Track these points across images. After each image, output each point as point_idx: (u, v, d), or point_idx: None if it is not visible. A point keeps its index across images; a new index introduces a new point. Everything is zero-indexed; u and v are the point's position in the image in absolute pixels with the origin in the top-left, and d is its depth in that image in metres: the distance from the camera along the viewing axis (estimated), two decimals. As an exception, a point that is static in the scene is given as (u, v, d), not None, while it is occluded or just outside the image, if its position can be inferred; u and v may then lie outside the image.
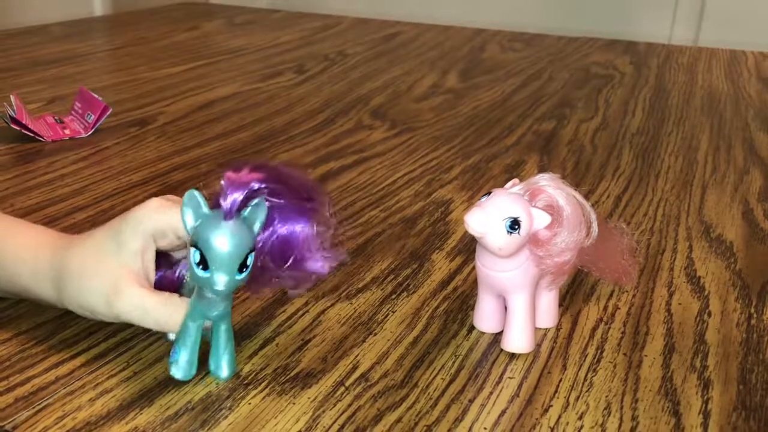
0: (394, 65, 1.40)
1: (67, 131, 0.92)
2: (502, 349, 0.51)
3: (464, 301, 0.57)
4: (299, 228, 0.45)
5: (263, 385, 0.46)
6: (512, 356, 0.50)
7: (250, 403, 0.44)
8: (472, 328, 0.54)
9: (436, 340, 0.52)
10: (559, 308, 0.55)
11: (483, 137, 0.99)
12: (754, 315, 0.57)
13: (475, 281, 0.58)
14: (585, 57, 1.53)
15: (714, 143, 1.00)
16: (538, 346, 0.52)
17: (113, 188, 0.76)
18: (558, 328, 0.54)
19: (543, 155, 0.93)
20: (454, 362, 0.50)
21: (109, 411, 0.43)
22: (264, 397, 0.45)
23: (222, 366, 0.46)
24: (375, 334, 0.52)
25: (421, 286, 0.59)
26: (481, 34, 1.75)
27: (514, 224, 0.46)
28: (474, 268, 0.60)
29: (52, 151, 0.86)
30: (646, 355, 0.51)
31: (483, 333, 0.53)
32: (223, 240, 0.41)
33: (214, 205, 0.43)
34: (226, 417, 0.43)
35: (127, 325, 0.50)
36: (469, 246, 0.66)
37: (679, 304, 0.58)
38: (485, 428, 0.43)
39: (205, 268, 0.42)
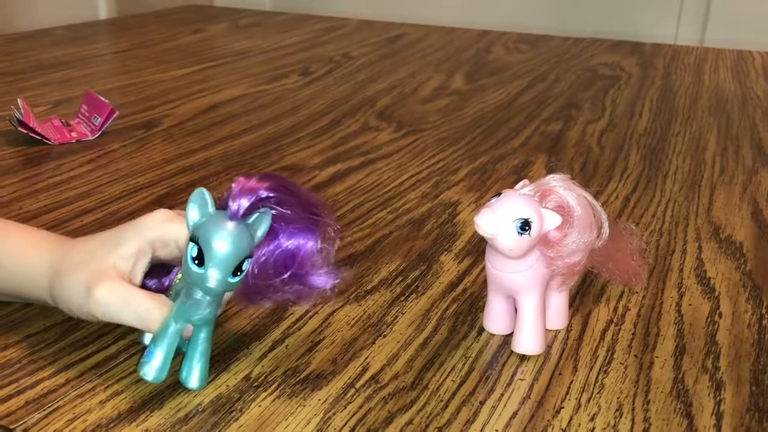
0: (400, 67, 1.40)
1: (73, 134, 0.92)
2: (512, 351, 0.51)
3: (473, 302, 0.57)
4: (305, 242, 0.45)
5: (273, 387, 0.46)
6: (523, 358, 0.50)
7: (260, 405, 0.44)
8: (481, 329, 0.53)
9: (445, 342, 0.52)
10: (570, 309, 0.55)
11: (490, 139, 0.99)
12: (766, 316, 0.57)
13: (484, 282, 0.58)
14: (591, 58, 1.53)
15: (722, 144, 1.00)
16: (549, 347, 0.51)
17: (120, 191, 0.76)
18: (568, 329, 0.54)
19: (550, 156, 0.93)
20: (464, 364, 0.49)
21: (120, 413, 0.43)
22: (274, 399, 0.45)
23: (192, 375, 0.44)
24: (384, 336, 0.52)
25: (429, 287, 0.59)
26: (486, 35, 1.75)
27: (525, 225, 0.46)
28: (483, 269, 0.60)
29: (59, 154, 0.86)
30: (657, 357, 0.51)
31: (493, 335, 0.53)
32: (224, 239, 0.41)
33: (221, 206, 0.43)
34: (237, 419, 0.43)
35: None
36: (478, 247, 0.66)
37: (690, 305, 0.58)
38: (497, 430, 0.43)
39: (201, 264, 0.41)
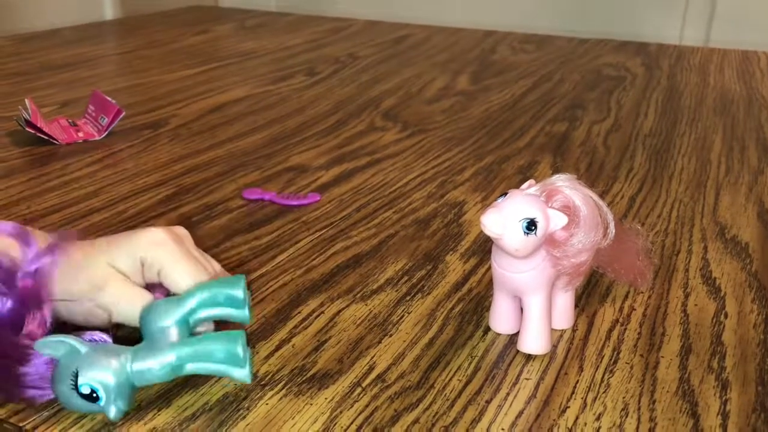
0: (405, 67, 1.40)
1: (80, 134, 0.92)
2: (518, 351, 0.51)
3: (479, 302, 0.57)
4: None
5: (280, 385, 0.46)
6: (528, 357, 0.50)
7: (267, 404, 0.44)
8: (487, 329, 0.53)
9: (451, 342, 0.52)
10: (575, 309, 0.55)
11: (495, 139, 0.99)
12: (771, 316, 0.57)
13: (489, 282, 0.58)
14: (596, 58, 1.53)
15: (727, 144, 1.00)
16: (554, 347, 0.51)
17: (128, 190, 0.77)
18: (574, 329, 0.54)
19: (556, 157, 0.93)
20: (470, 363, 0.49)
21: (127, 411, 0.43)
22: (281, 398, 0.45)
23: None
24: (390, 335, 0.52)
25: (435, 287, 0.59)
26: (491, 36, 1.75)
27: (531, 225, 0.46)
28: (489, 269, 0.60)
29: (66, 154, 0.87)
30: (662, 357, 0.51)
31: (499, 334, 0.53)
32: None
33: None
34: (244, 417, 0.43)
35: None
36: (483, 247, 0.66)
37: (695, 305, 0.58)
38: (503, 429, 0.43)
39: None
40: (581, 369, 0.49)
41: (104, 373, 0.41)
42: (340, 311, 0.55)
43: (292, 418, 0.43)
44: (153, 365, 0.42)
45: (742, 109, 1.17)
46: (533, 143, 0.98)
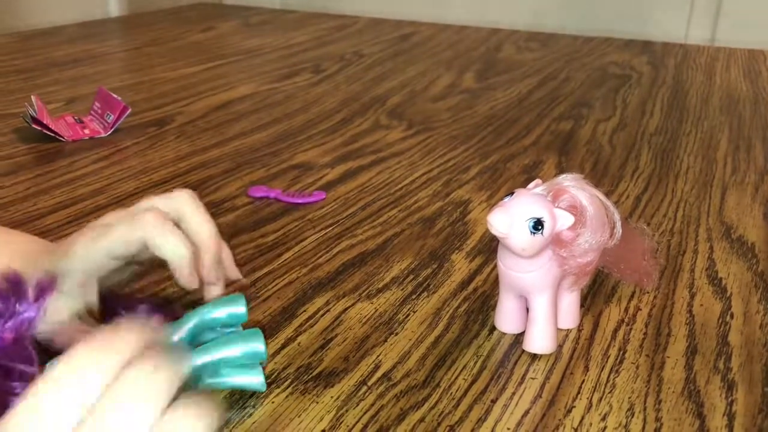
0: (410, 65, 1.40)
1: (86, 131, 0.93)
2: (523, 350, 0.51)
3: (485, 301, 0.57)
4: None
5: (286, 384, 0.46)
6: (534, 357, 0.50)
7: (273, 402, 0.44)
8: (493, 328, 0.53)
9: (457, 341, 0.52)
10: (581, 309, 0.55)
11: (500, 137, 0.99)
12: (778, 316, 0.57)
13: (495, 281, 0.58)
14: (601, 57, 1.53)
15: (733, 143, 0.99)
16: (560, 347, 0.51)
17: (134, 187, 0.77)
18: (579, 329, 0.54)
19: (561, 155, 0.93)
20: (476, 362, 0.50)
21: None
22: (287, 396, 0.45)
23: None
24: (396, 334, 0.52)
25: (441, 286, 0.59)
26: (496, 34, 1.75)
27: (538, 225, 0.46)
28: (494, 267, 0.60)
29: (72, 151, 0.87)
30: (668, 357, 0.51)
31: (504, 333, 0.53)
32: None
33: None
34: (251, 415, 0.43)
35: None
36: (489, 246, 0.66)
37: (701, 305, 0.58)
38: (508, 429, 0.43)
39: None
40: (587, 369, 0.49)
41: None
42: (345, 309, 0.55)
43: (298, 416, 0.43)
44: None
45: (748, 108, 1.17)
46: (539, 142, 0.98)
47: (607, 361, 0.50)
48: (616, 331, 0.54)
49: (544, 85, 1.29)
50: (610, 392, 0.47)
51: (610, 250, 0.50)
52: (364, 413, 0.44)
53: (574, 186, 0.48)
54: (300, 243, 0.66)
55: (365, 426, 0.43)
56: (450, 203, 0.76)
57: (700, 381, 0.48)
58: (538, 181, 0.50)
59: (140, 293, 0.54)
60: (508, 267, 0.50)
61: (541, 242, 0.47)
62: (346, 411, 0.44)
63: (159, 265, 0.45)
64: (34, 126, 0.89)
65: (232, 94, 1.15)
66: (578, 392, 0.47)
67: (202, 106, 1.07)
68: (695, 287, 0.61)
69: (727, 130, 1.06)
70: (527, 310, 0.51)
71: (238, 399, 0.45)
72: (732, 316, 0.56)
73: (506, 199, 0.48)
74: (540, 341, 0.50)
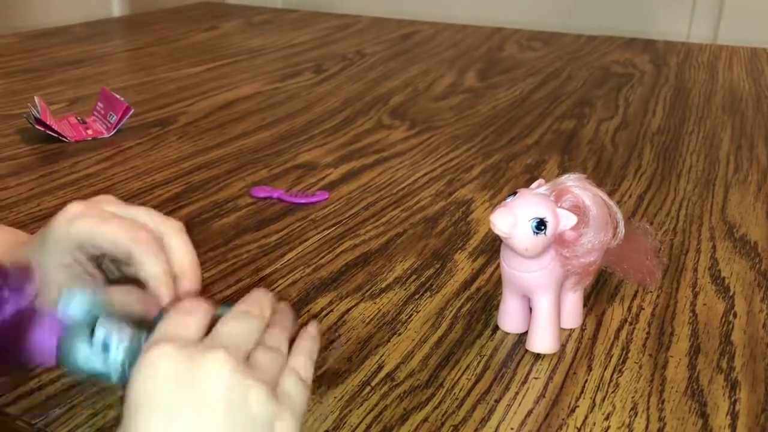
0: (412, 64, 1.40)
1: (89, 131, 0.93)
2: (527, 350, 0.51)
3: (488, 301, 0.57)
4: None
5: (290, 384, 0.46)
6: (537, 357, 0.50)
7: (277, 402, 0.45)
8: (496, 328, 0.54)
9: (460, 341, 0.52)
10: (584, 309, 0.55)
11: (503, 137, 0.99)
12: (781, 316, 0.57)
13: (498, 281, 0.58)
14: (604, 56, 1.53)
15: (736, 142, 0.99)
16: (563, 346, 0.52)
17: (137, 188, 0.77)
18: (582, 328, 0.54)
19: (564, 155, 0.93)
20: (479, 362, 0.50)
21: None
22: (291, 397, 0.45)
23: None
24: (399, 334, 0.53)
25: (444, 286, 0.60)
26: (499, 33, 1.75)
27: (541, 225, 0.46)
28: (497, 267, 0.60)
29: (75, 152, 0.87)
30: (671, 356, 0.51)
31: (507, 333, 0.53)
32: None
33: None
34: (254, 416, 0.43)
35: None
36: (492, 246, 0.66)
37: (704, 304, 0.58)
38: (512, 428, 0.43)
39: None
40: (590, 368, 0.49)
41: (122, 334, 0.39)
42: (348, 309, 0.56)
43: (302, 417, 0.43)
44: None
45: (750, 107, 1.17)
46: (541, 141, 0.98)
47: (610, 361, 0.50)
48: (619, 330, 0.54)
49: (547, 84, 1.29)
50: (613, 392, 0.47)
51: (613, 249, 0.50)
52: (368, 413, 0.44)
53: (577, 186, 0.48)
54: (303, 243, 0.66)
55: (369, 426, 0.43)
56: (453, 203, 0.76)
57: (703, 380, 0.48)
58: (541, 180, 0.50)
59: None
60: (512, 267, 0.50)
61: (544, 242, 0.47)
62: (350, 411, 0.44)
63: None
64: (37, 127, 0.89)
65: (234, 94, 1.15)
66: (581, 392, 0.47)
67: (205, 106, 1.07)
68: (698, 286, 0.61)
69: (729, 128, 1.06)
70: (530, 309, 0.51)
71: (242, 399, 0.45)
72: (735, 315, 0.56)
73: (509, 199, 0.48)
74: (543, 341, 0.50)
